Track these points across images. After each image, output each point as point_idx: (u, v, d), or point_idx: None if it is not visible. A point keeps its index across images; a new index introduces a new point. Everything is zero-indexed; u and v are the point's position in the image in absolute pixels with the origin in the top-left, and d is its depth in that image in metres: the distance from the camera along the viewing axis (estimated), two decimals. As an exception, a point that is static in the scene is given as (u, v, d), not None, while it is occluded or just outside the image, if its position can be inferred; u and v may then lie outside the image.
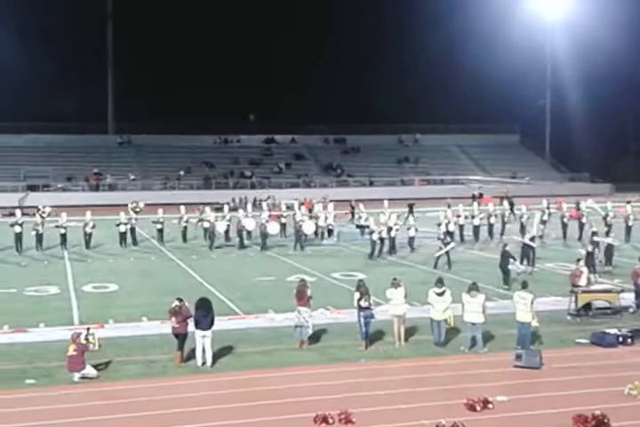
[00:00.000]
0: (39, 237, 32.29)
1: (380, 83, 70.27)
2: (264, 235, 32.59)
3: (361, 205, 38.31)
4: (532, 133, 75.69)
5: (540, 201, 41.15)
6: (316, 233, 35.06)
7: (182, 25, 69.02)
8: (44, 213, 36.67)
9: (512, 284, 22.76)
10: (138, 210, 39.28)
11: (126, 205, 41.04)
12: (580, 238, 33.68)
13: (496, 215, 36.05)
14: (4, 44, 58.36)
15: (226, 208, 36.68)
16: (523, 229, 32.92)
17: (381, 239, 29.86)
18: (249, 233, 34.11)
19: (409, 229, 32.16)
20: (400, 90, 70.40)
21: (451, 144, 76.10)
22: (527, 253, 26.13)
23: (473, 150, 75.53)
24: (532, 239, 26.63)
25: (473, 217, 34.86)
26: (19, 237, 31.71)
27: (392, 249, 30.74)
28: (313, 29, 71.61)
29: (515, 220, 37.61)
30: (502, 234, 34.74)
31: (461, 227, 34.31)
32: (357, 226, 35.68)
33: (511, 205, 41.80)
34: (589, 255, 23.90)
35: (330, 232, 35.81)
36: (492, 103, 68.20)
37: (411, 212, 40.51)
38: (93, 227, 33.35)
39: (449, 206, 37.00)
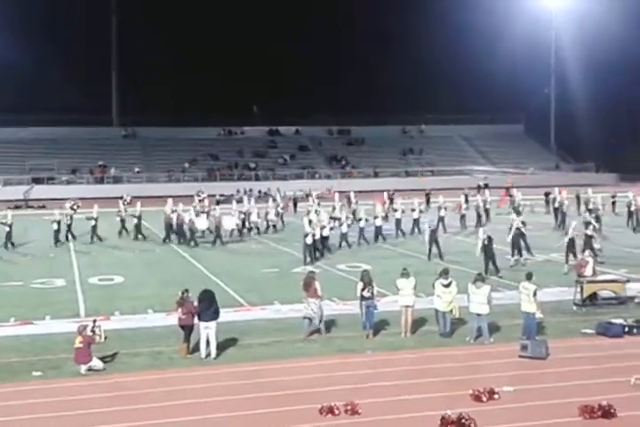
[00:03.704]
0: (123, 225, 33.54)
1: (383, 73, 70.07)
2: (218, 229, 31.73)
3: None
4: (537, 123, 75.37)
5: (541, 192, 41.58)
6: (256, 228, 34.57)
7: (185, 17, 68.84)
8: (125, 201, 37.06)
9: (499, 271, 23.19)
10: (201, 198, 39.45)
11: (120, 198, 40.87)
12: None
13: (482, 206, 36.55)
14: (7, 37, 58.24)
15: (234, 203, 36.54)
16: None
17: (315, 242, 27.17)
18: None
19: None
20: (404, 80, 70.16)
21: (455, 135, 75.90)
22: (517, 242, 25.55)
23: (478, 141, 75.29)
24: (523, 225, 26.06)
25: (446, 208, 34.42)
26: (56, 234, 31.87)
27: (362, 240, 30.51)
28: (317, 21, 71.37)
29: (549, 212, 37.89)
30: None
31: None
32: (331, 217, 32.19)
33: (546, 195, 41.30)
34: (571, 242, 24.15)
35: (273, 227, 35.50)
36: (496, 93, 67.83)
37: (427, 202, 40.82)
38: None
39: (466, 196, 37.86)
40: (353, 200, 37.75)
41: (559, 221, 34.74)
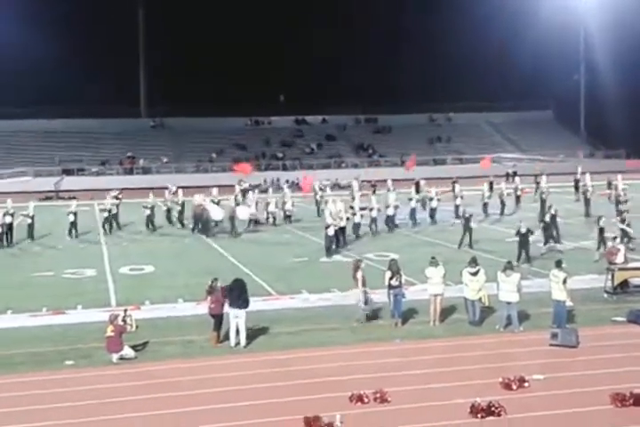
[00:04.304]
0: (168, 215, 34.74)
1: (410, 61, 69.50)
2: (232, 219, 31.65)
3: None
4: (567, 110, 74.52)
5: (570, 179, 41.24)
6: (267, 219, 34.27)
7: (213, 6, 68.86)
8: (171, 191, 37.73)
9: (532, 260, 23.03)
10: (242, 187, 39.76)
11: (156, 188, 41.12)
12: None
13: (509, 194, 36.51)
14: (36, 29, 58.76)
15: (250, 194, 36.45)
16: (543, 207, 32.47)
17: (336, 233, 26.86)
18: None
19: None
20: (430, 68, 69.59)
21: (483, 122, 75.31)
22: (549, 231, 25.41)
23: (506, 128, 74.66)
24: (554, 217, 26.06)
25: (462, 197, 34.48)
26: (72, 225, 32.05)
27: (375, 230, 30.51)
28: (342, 9, 71.03)
29: (579, 199, 37.67)
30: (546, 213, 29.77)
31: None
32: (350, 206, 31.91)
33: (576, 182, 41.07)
34: (601, 231, 23.70)
35: (288, 218, 35.18)
36: (524, 79, 67.19)
37: (453, 190, 40.65)
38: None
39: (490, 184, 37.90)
40: (391, 188, 37.66)
41: (585, 209, 34.54)
